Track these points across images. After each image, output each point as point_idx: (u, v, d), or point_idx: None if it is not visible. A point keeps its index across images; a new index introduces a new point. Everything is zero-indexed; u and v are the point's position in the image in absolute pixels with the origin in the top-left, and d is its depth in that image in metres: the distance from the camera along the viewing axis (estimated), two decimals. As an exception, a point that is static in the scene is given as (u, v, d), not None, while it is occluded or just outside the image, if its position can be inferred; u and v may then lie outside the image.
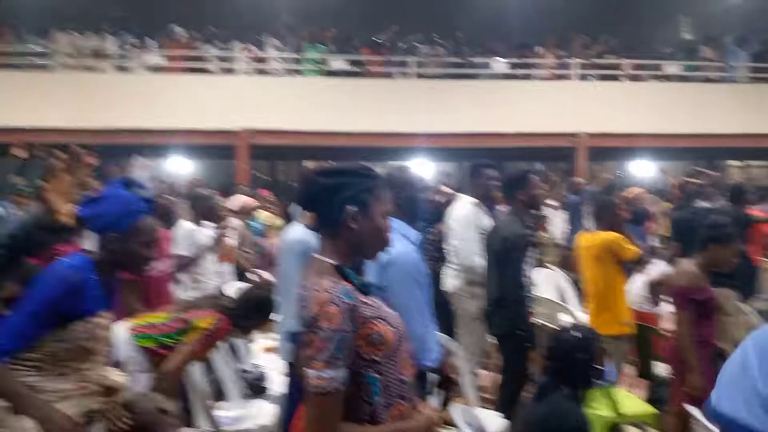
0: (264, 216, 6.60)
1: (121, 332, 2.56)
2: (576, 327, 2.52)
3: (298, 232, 3.24)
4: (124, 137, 9.30)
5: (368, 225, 1.49)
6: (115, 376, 2.12)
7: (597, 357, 2.33)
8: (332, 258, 1.48)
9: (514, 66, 10.75)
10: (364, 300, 1.44)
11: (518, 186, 3.60)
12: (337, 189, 1.50)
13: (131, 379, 2.33)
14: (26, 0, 10.76)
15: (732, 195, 5.64)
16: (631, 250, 3.77)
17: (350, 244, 1.49)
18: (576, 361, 2.29)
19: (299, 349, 1.51)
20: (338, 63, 10.31)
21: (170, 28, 10.26)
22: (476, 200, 3.99)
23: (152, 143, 9.21)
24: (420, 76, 10.50)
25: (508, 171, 4.19)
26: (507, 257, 3.45)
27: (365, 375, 1.41)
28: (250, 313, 2.83)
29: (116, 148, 8.10)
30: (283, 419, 3.20)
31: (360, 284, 1.47)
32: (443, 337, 3.20)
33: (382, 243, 1.54)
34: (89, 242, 2.67)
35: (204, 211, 4.30)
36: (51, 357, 1.92)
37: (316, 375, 1.34)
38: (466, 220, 3.93)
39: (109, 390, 2.08)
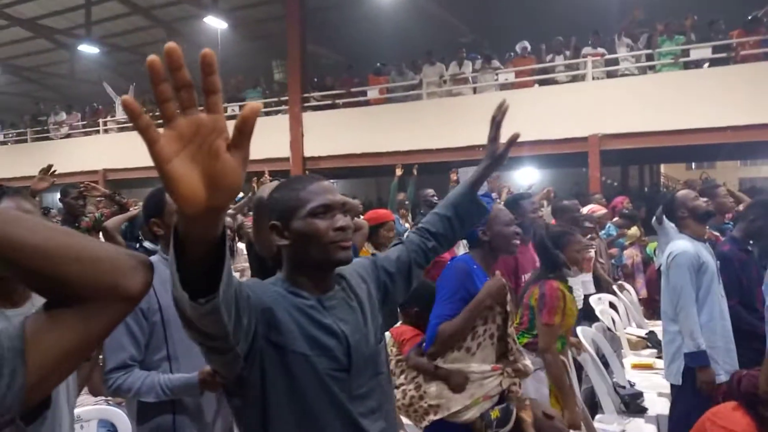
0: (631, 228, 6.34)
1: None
2: None
3: (683, 245, 3.06)
4: (481, 153, 10.11)
5: None
6: (526, 361, 2.34)
7: None
8: None
9: None
10: None
11: None
12: None
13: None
14: (404, 42, 12.69)
15: None
16: None
17: None
18: None
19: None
20: (700, 52, 9.21)
21: (519, 45, 10.74)
22: None
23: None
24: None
25: None
26: None
27: None
28: (553, 248, 2.82)
29: (475, 163, 8.84)
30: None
31: None
32: None
33: None
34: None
35: (568, 221, 4.37)
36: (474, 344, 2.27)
37: None
38: None
39: (519, 372, 2.31)
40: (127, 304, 0.69)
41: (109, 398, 2.71)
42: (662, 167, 21.75)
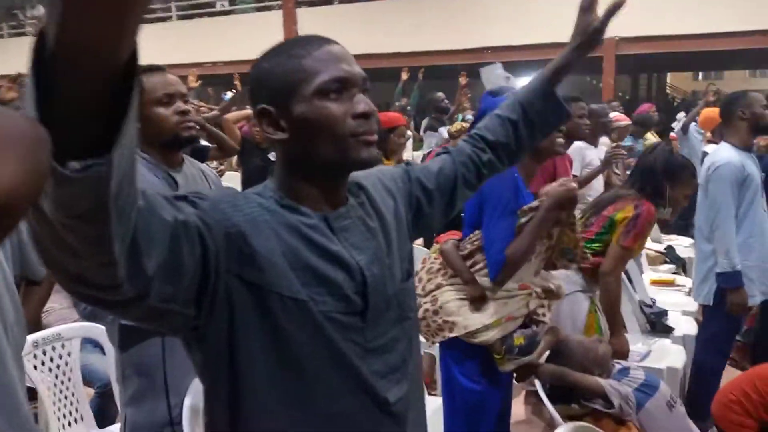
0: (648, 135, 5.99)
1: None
2: None
3: (727, 155, 2.76)
4: (489, 55, 9.53)
5: None
6: (556, 280, 2.08)
7: None
8: None
9: None
10: None
11: None
12: None
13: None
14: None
15: None
16: None
17: None
18: None
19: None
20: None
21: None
22: None
23: (517, 60, 9.19)
24: None
25: None
26: None
27: None
28: (663, 178, 2.41)
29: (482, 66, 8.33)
30: (694, 364, 2.88)
31: None
32: None
33: None
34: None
35: (598, 127, 4.11)
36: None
37: None
38: None
39: (549, 293, 2.06)
40: None
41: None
42: (668, 77, 20.98)
